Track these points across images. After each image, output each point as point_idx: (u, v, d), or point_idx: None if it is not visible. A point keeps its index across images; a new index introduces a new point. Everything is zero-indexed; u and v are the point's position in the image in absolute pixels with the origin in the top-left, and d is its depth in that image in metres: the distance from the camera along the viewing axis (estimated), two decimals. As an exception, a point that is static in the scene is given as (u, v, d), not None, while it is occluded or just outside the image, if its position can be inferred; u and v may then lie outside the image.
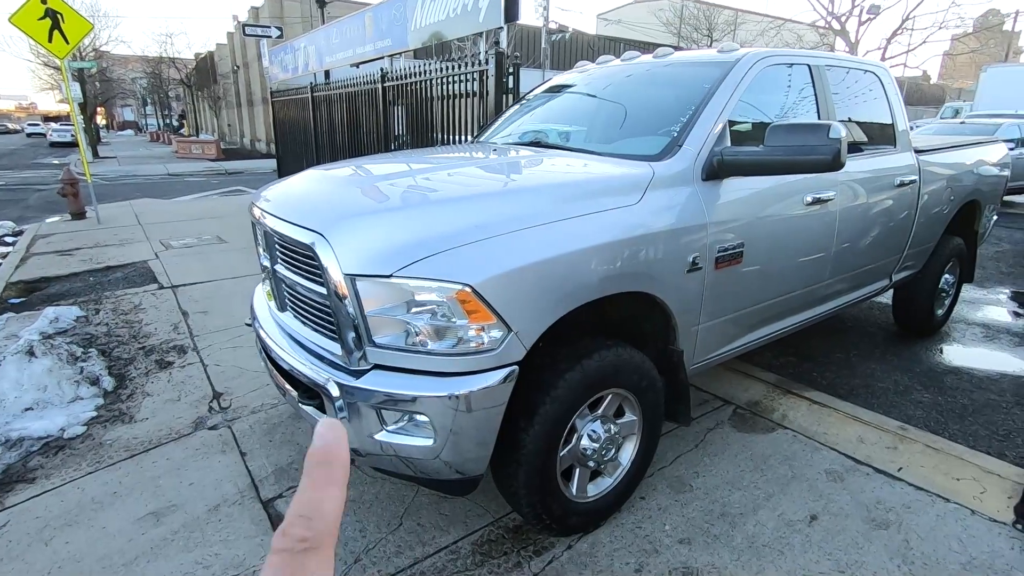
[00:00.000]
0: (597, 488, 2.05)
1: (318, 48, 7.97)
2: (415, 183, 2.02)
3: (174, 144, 28.15)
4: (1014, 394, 3.15)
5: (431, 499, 2.22)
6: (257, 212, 2.09)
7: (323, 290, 1.70)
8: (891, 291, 3.69)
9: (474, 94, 4.81)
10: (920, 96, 43.22)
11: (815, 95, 2.63)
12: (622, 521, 2.11)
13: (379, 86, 6.33)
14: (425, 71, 5.45)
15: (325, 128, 8.19)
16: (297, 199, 1.97)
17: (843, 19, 26.10)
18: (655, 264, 1.90)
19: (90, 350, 3.53)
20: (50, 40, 7.08)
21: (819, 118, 2.63)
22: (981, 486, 2.27)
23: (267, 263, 2.07)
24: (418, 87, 5.67)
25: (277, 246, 1.96)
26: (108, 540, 2.03)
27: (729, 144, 2.17)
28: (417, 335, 1.59)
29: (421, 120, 5.73)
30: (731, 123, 2.27)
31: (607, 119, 2.59)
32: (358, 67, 7.07)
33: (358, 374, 1.66)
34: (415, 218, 1.68)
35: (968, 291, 5.01)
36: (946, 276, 3.90)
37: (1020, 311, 4.63)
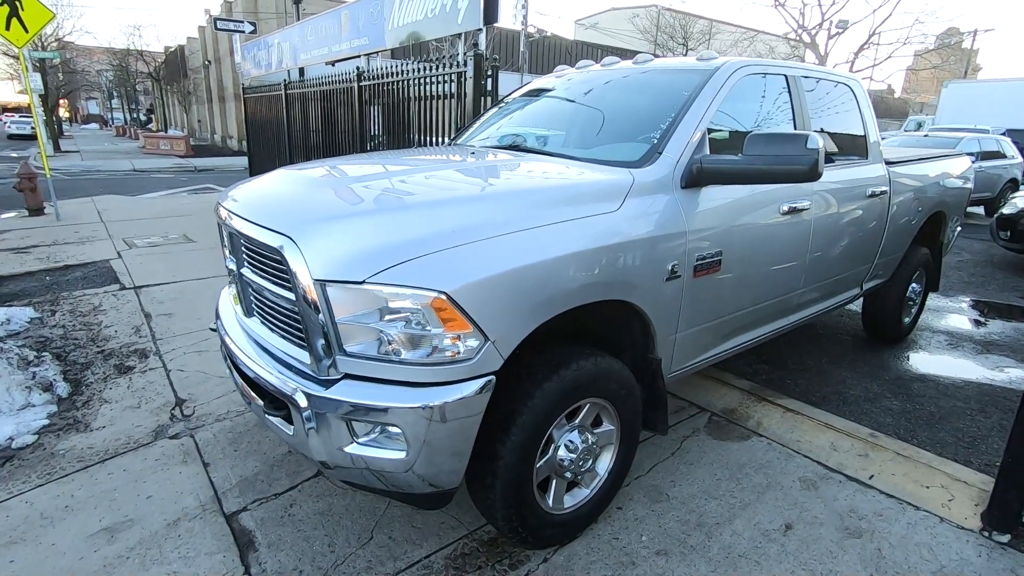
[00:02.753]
0: (574, 499, 2.01)
1: (293, 45, 7.81)
2: (390, 186, 1.95)
3: (141, 139, 27.33)
4: (977, 401, 3.23)
5: (404, 511, 2.16)
6: (223, 213, 2.00)
7: (292, 296, 1.63)
8: (861, 300, 3.76)
9: (452, 96, 4.75)
10: (885, 109, 44.69)
11: (791, 105, 2.66)
12: (599, 532, 2.07)
13: (355, 85, 6.22)
14: (402, 71, 5.37)
15: (299, 127, 8.03)
16: (266, 200, 1.89)
17: (813, 32, 26.84)
18: (634, 272, 1.88)
19: (44, 354, 3.36)
20: (7, 28, 6.78)
21: (795, 128, 2.65)
22: (949, 493, 2.31)
23: (233, 266, 1.98)
24: (395, 87, 5.58)
25: (244, 249, 1.87)
26: (57, 558, 1.91)
27: (708, 152, 2.16)
28: (390, 344, 1.53)
29: (397, 121, 5.64)
30: (709, 131, 2.27)
31: (587, 124, 2.57)
32: (334, 65, 6.94)
33: (328, 384, 1.59)
34: (389, 222, 1.62)
35: (933, 300, 5.15)
36: (913, 285, 4.00)
37: (981, 319, 4.78)
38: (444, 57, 4.75)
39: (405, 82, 5.38)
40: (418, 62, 5.09)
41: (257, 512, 2.14)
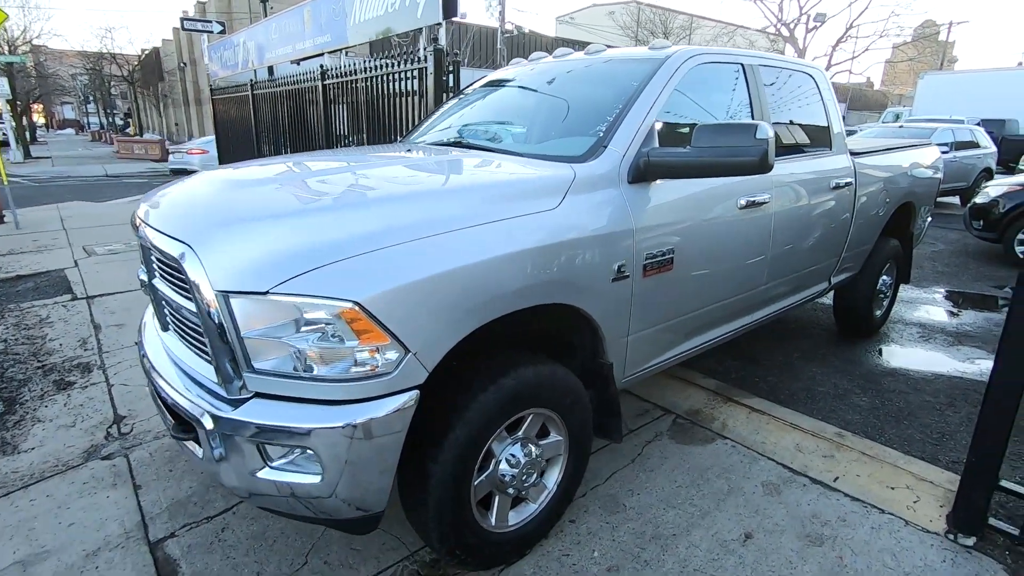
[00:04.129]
0: (520, 515, 1.90)
1: (258, 44, 7.62)
2: (309, 186, 1.82)
3: (115, 144, 26.78)
4: (947, 395, 3.17)
5: (342, 533, 2.03)
6: (136, 220, 1.86)
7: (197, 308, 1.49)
8: (832, 293, 3.69)
9: (414, 93, 4.62)
10: (864, 102, 45.16)
11: (749, 95, 2.56)
12: (548, 549, 1.96)
13: (319, 84, 6.06)
14: (364, 68, 5.22)
15: (268, 128, 7.84)
16: (173, 205, 1.75)
17: (792, 26, 27.01)
18: (576, 273, 1.77)
19: (-23, 371, 3.18)
20: (-45, 30, 6.51)
21: (753, 119, 2.56)
22: (915, 494, 2.23)
23: (145, 277, 1.84)
24: (358, 85, 5.43)
25: (154, 259, 1.74)
26: (-40, 598, 1.76)
27: (658, 145, 2.06)
28: (301, 359, 1.41)
29: (362, 120, 5.49)
30: (662, 123, 2.17)
31: (534, 118, 2.46)
32: (299, 64, 6.76)
33: (236, 404, 1.46)
34: (301, 226, 1.49)
35: (906, 291, 5.12)
36: (884, 278, 3.94)
37: (954, 310, 4.74)
38: (405, 53, 4.61)
39: (368, 80, 5.24)
40: (379, 59, 4.95)
41: (185, 538, 2.00)
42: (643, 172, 1.98)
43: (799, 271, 2.96)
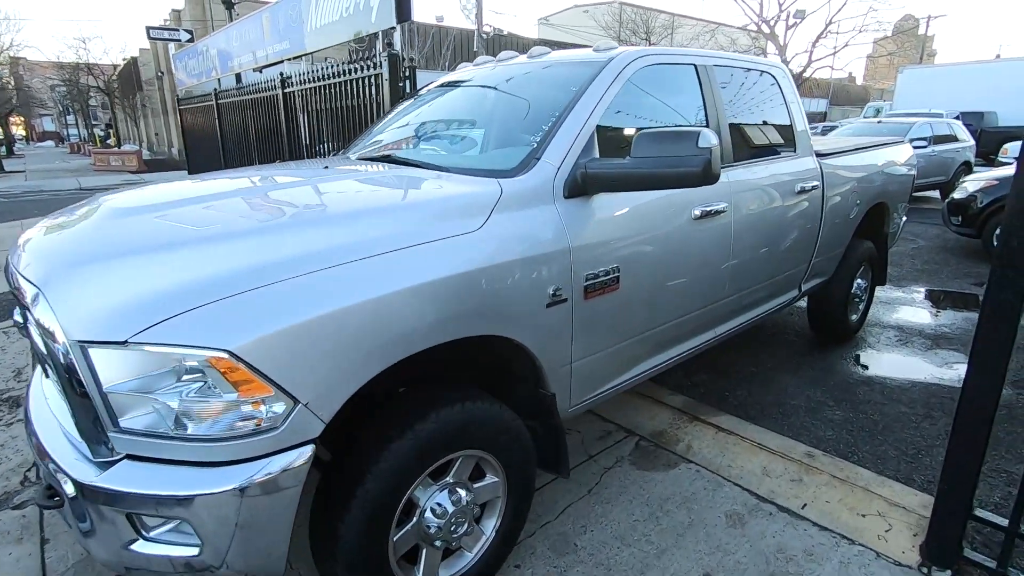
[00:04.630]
0: (452, 568, 1.72)
1: (220, 51, 7.41)
2: (191, 215, 1.63)
3: (92, 156, 26.32)
4: (924, 404, 3.04)
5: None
6: (6, 259, 1.67)
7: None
8: (806, 299, 3.55)
9: (371, 99, 4.44)
10: (847, 97, 45.50)
11: (703, 98, 2.41)
12: (487, 602, 1.79)
13: (279, 92, 5.86)
14: (321, 76, 5.04)
15: (233, 139, 7.62)
16: (38, 240, 1.57)
17: (772, 23, 27.10)
18: (504, 301, 1.60)
19: None
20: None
21: (707, 123, 2.41)
22: (886, 522, 2.08)
23: (20, 318, 1.65)
24: (317, 93, 5.25)
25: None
26: None
27: (598, 155, 1.90)
28: (173, 416, 1.23)
29: (321, 129, 5.31)
30: (606, 130, 2.02)
31: (466, 130, 2.29)
32: (261, 72, 6.57)
33: (104, 466, 1.28)
34: (172, 262, 1.31)
35: (885, 291, 5.01)
36: (858, 281, 3.81)
37: (933, 310, 4.63)
38: (361, 59, 4.44)
39: (327, 88, 5.05)
40: (333, 66, 4.77)
41: (86, 602, 1.81)
42: (581, 186, 1.82)
43: (764, 281, 2.81)
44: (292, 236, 1.40)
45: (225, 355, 1.17)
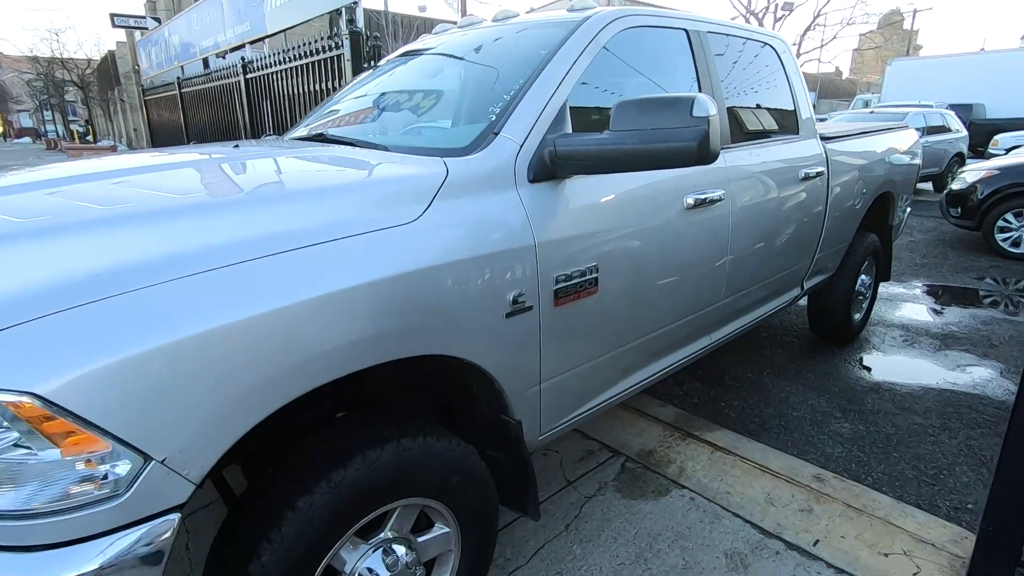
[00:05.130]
0: (391, 643, 1.39)
1: (182, 38, 6.97)
2: (35, 202, 1.26)
3: (66, 152, 25.56)
4: (939, 414, 2.75)
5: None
6: None
7: None
8: (807, 297, 3.25)
9: (334, 83, 4.07)
10: (834, 90, 45.52)
11: (695, 69, 2.08)
12: None
13: (241, 78, 5.46)
14: (281, 59, 4.66)
15: (196, 130, 7.19)
16: None
17: (760, 15, 26.93)
18: (448, 311, 1.26)
19: None
20: None
21: (701, 97, 2.08)
22: (914, 563, 1.78)
23: None
24: (278, 78, 4.86)
25: None
26: None
27: (570, 131, 1.57)
28: (-32, 482, 0.88)
29: (286, 116, 4.92)
30: (581, 104, 1.68)
31: (421, 103, 1.95)
32: (224, 57, 6.15)
33: None
34: (-22, 267, 0.96)
35: (886, 287, 4.73)
36: (862, 277, 3.52)
37: (937, 307, 4.36)
38: (318, 40, 4.06)
39: (287, 72, 4.67)
40: (293, 48, 4.39)
41: None
42: (550, 167, 1.48)
43: (766, 279, 2.50)
44: (151, 231, 1.05)
45: (29, 399, 0.83)
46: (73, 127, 48.95)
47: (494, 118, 1.53)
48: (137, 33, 9.43)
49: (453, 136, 1.61)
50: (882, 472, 2.30)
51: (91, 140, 41.31)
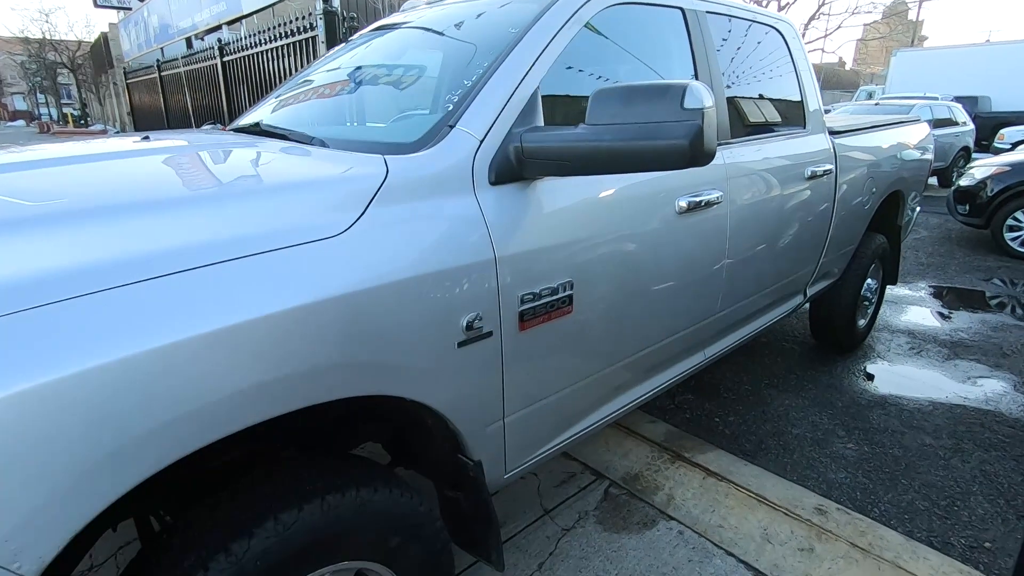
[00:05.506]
0: None
1: (161, 18, 6.67)
2: None
3: (56, 136, 25.16)
4: (950, 434, 2.54)
5: None
6: None
7: None
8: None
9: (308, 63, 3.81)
10: (837, 81, 44.99)
11: (692, 54, 1.85)
12: None
13: (218, 61, 5.19)
14: (254, 41, 4.39)
15: (177, 115, 6.91)
16: None
17: (764, 5, 26.48)
18: (382, 342, 1.04)
19: None
20: None
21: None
22: (927, 618, 1.58)
23: None
24: (253, 61, 4.59)
25: None
26: None
27: (542, 123, 1.34)
28: None
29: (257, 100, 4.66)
30: (555, 94, 1.45)
31: (370, 91, 1.71)
32: (203, 39, 5.87)
33: None
34: None
35: (890, 288, 4.52)
36: (868, 281, 3.30)
37: (944, 311, 4.15)
38: (294, 20, 3.79)
39: (262, 55, 4.40)
40: (267, 30, 4.12)
41: None
42: (516, 167, 1.25)
43: (766, 288, 2.28)
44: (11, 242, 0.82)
45: None
46: (67, 110, 48.31)
47: (451, 107, 1.30)
48: (121, 14, 9.09)
49: (400, 130, 1.38)
50: (890, 503, 2.10)
51: (84, 124, 40.72)
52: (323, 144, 1.35)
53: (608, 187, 1.46)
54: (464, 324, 1.16)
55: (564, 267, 1.34)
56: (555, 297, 1.33)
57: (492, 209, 1.21)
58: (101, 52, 36.81)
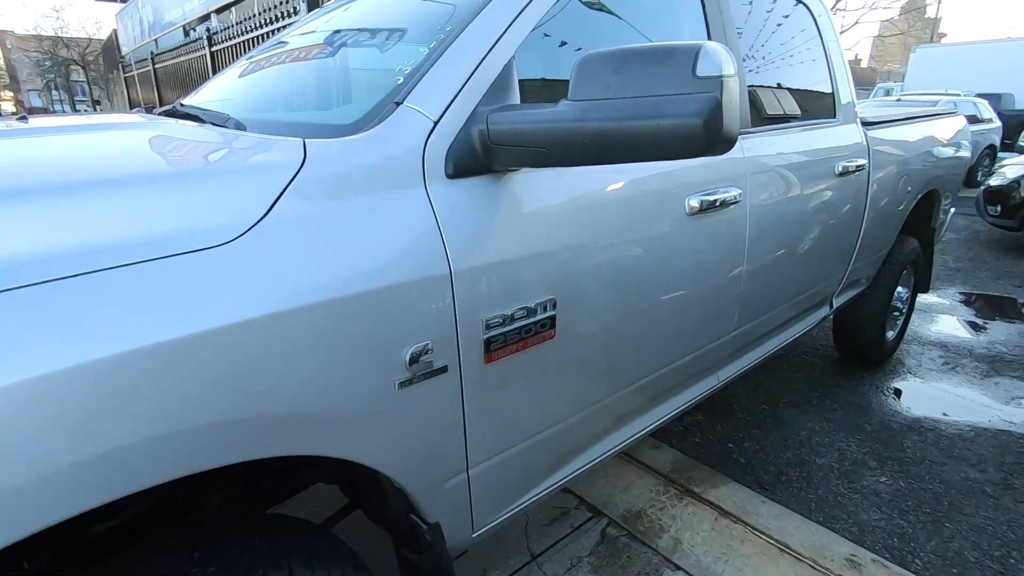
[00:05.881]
0: None
1: (155, 8, 6.47)
2: None
3: (68, 132, 25.24)
4: (997, 466, 2.24)
5: None
6: None
7: None
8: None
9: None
10: (854, 79, 44.15)
11: (706, 23, 1.56)
12: None
13: (207, 51, 4.96)
14: (242, 29, 4.15)
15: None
16: None
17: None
18: (289, 386, 0.78)
19: None
20: None
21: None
22: None
23: None
24: (242, 49, 4.36)
25: None
26: None
27: (518, 100, 1.07)
28: None
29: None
30: (533, 70, 1.18)
31: (318, 62, 1.44)
32: (195, 29, 5.65)
33: None
34: None
35: (919, 296, 4.19)
36: (899, 289, 3.00)
37: (979, 321, 3.82)
38: (278, 5, 3.55)
39: (251, 43, 4.16)
40: (252, 17, 3.88)
41: None
42: (482, 156, 0.99)
43: (788, 301, 1.99)
44: None
45: None
46: (80, 107, 48.69)
47: (401, 80, 1.03)
48: (119, 6, 8.91)
49: (337, 110, 1.12)
50: (934, 552, 1.81)
51: (98, 121, 40.92)
52: (240, 127, 1.09)
53: (602, 182, 1.19)
54: (407, 358, 0.89)
55: (544, 282, 1.07)
56: (532, 320, 1.06)
57: (448, 209, 0.94)
58: (113, 48, 37.09)
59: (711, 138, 0.81)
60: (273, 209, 0.80)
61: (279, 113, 1.29)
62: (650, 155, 0.86)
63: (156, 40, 6.76)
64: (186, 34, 6.69)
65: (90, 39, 33.57)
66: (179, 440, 0.69)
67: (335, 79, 1.27)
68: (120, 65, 8.41)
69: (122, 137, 1.06)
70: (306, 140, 0.89)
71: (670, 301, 1.39)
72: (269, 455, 0.79)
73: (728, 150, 0.86)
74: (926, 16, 39.37)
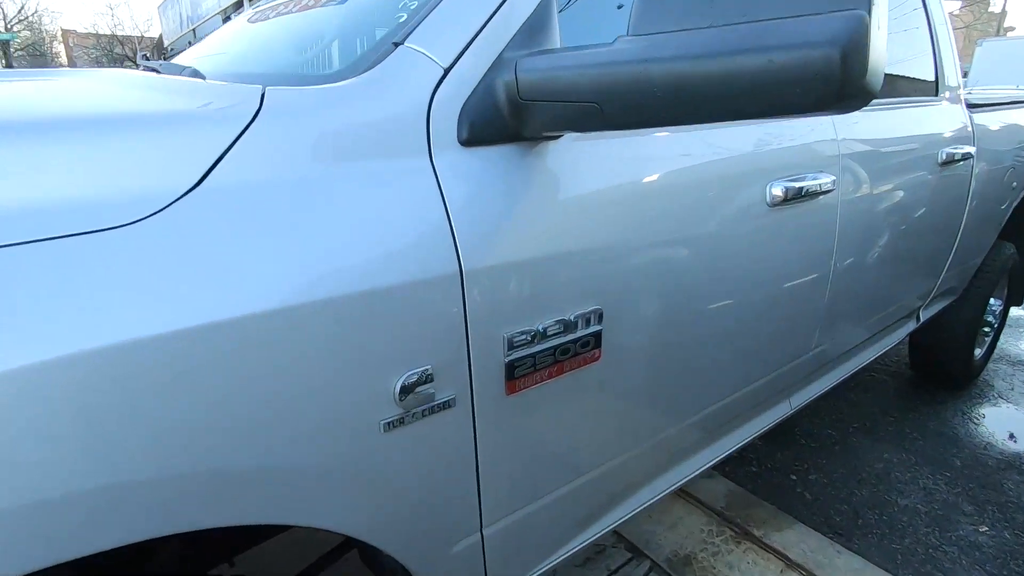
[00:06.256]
0: None
1: (192, -2, 6.44)
2: None
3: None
4: None
5: None
6: None
7: None
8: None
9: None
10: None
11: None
12: None
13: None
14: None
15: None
16: None
17: None
18: (227, 432, 0.54)
19: None
20: None
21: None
22: None
23: None
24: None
25: None
26: None
27: (558, 44, 0.81)
28: None
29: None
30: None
31: (318, 18, 1.20)
32: (231, 18, 5.58)
33: None
34: None
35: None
36: (992, 301, 2.61)
37: (1077, 339, 3.35)
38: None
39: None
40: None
41: None
42: (509, 116, 0.73)
43: (876, 314, 1.67)
44: None
45: None
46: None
47: (403, 18, 0.79)
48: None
49: (319, 52, 0.88)
50: (1059, 630, 1.47)
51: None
52: (197, 75, 0.86)
53: (663, 162, 0.91)
54: (396, 389, 0.64)
55: (587, 289, 0.81)
56: (571, 337, 0.80)
57: (460, 186, 0.69)
58: (161, 44, 38.37)
59: (849, 79, 0.54)
60: (205, 181, 0.56)
61: (248, 61, 1.06)
62: (752, 108, 0.58)
63: (194, 30, 6.76)
64: (224, 22, 6.66)
65: (142, 36, 34.78)
66: (74, 515, 0.46)
67: (332, 29, 1.03)
68: (164, 58, 8.50)
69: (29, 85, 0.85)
70: (266, 88, 0.65)
71: (743, 312, 1.11)
72: (212, 525, 0.56)
73: (865, 104, 0.58)
74: (990, 10, 37.11)
